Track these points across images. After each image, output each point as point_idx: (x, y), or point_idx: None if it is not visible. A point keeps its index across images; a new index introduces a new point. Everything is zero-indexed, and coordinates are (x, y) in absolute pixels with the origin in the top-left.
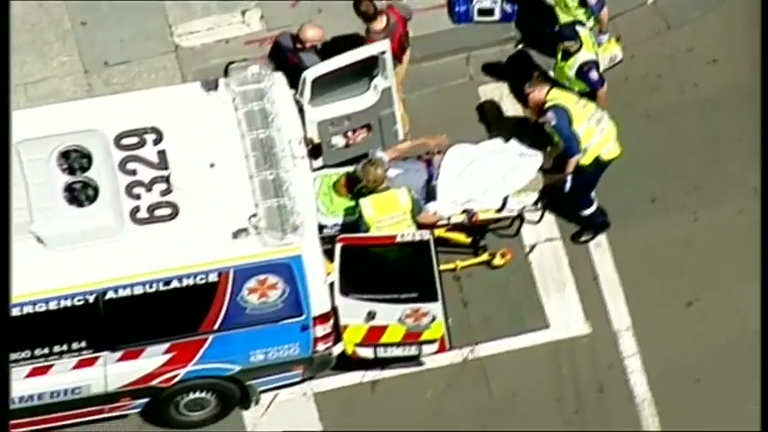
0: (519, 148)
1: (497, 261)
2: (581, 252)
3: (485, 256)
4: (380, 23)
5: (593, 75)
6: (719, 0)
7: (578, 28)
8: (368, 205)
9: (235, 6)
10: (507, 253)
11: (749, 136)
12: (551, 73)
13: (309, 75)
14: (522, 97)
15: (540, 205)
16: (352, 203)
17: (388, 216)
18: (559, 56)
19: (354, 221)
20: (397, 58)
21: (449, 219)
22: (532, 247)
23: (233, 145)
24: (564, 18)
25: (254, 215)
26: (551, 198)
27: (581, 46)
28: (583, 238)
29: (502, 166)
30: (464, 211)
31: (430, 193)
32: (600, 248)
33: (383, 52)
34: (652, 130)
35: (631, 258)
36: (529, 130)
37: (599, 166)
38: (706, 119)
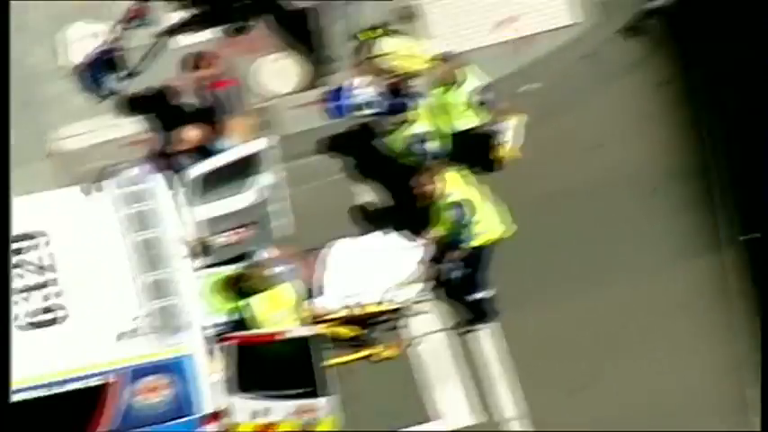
0: (400, 241)
1: (386, 353)
2: (470, 339)
3: (373, 349)
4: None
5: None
6: (599, 84)
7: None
8: (258, 303)
9: (111, 108)
10: (395, 345)
11: (637, 219)
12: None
13: (194, 173)
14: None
15: (426, 296)
16: (235, 303)
17: (278, 312)
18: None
19: (240, 320)
20: None
21: (336, 313)
22: (420, 339)
23: (117, 247)
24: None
25: (142, 316)
26: (437, 288)
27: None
28: (473, 326)
29: (384, 259)
30: (349, 306)
31: (315, 289)
32: (489, 335)
33: (268, 147)
34: (539, 215)
35: (520, 344)
36: (412, 217)
37: (490, 245)
38: (593, 202)
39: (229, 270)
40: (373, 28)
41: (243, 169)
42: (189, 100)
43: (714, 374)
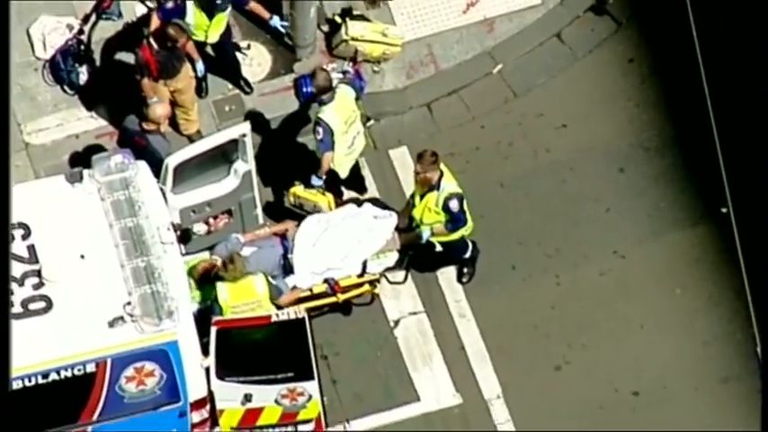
0: (372, 211)
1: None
2: (446, 322)
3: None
4: None
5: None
6: (564, 64)
7: None
8: (224, 290)
9: (82, 101)
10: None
11: (606, 197)
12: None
13: (171, 161)
14: None
15: (402, 265)
16: (210, 289)
17: (243, 303)
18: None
19: (209, 307)
20: None
21: (311, 290)
22: (397, 322)
23: (102, 235)
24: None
25: (129, 303)
26: (413, 257)
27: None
28: (466, 276)
29: (356, 230)
30: (325, 281)
31: (287, 267)
32: (464, 318)
33: (243, 135)
34: (508, 198)
35: (496, 326)
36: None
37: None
38: (561, 183)
39: (201, 258)
40: (342, 13)
41: (221, 156)
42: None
43: (693, 348)
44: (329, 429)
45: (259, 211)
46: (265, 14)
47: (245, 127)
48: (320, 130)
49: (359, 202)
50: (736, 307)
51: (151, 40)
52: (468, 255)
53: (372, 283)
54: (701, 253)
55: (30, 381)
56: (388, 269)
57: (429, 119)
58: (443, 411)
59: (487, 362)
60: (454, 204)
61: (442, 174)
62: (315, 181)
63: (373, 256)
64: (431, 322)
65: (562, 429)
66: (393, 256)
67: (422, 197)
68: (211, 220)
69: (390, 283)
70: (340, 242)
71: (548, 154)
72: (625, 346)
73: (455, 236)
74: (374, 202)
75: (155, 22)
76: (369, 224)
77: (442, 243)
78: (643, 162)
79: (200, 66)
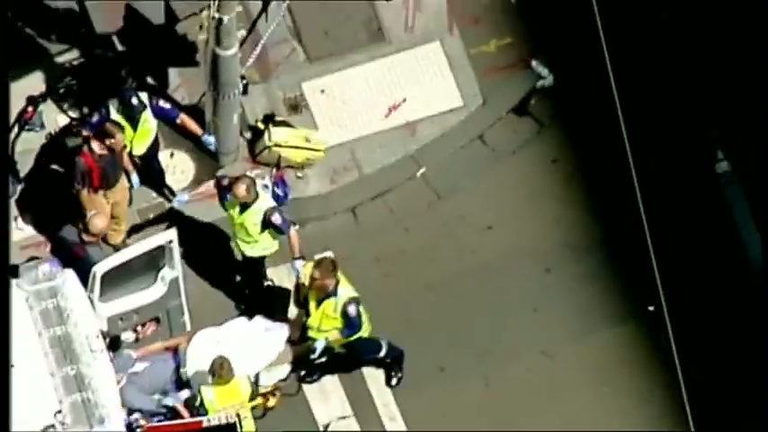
0: (264, 324)
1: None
2: (375, 426)
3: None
4: None
5: (277, 218)
6: (488, 166)
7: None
8: (210, 393)
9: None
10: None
11: (533, 297)
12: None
13: (98, 269)
14: None
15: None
16: None
17: (230, 405)
18: (236, 210)
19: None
20: None
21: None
22: (326, 426)
23: (31, 343)
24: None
25: (60, 411)
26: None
27: (257, 196)
28: (394, 379)
29: (248, 344)
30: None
31: (180, 382)
32: (393, 421)
33: (170, 242)
34: (435, 300)
35: (425, 428)
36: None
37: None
38: (488, 284)
39: None
40: (265, 119)
41: (148, 263)
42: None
43: None
44: None
45: (187, 317)
46: (198, 130)
47: (172, 234)
48: (276, 215)
49: (250, 315)
50: (667, 404)
51: (93, 145)
52: (382, 354)
53: (266, 395)
54: (629, 351)
55: None
56: (282, 381)
57: (353, 224)
58: None
59: None
60: (352, 309)
61: (338, 281)
62: (297, 264)
63: (265, 368)
64: (360, 426)
65: None
66: (285, 368)
67: (318, 304)
68: (139, 328)
69: (282, 395)
70: (232, 356)
71: (473, 255)
72: None
73: (352, 338)
74: (266, 314)
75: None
76: (260, 337)
77: (346, 346)
78: (569, 261)
79: (134, 177)
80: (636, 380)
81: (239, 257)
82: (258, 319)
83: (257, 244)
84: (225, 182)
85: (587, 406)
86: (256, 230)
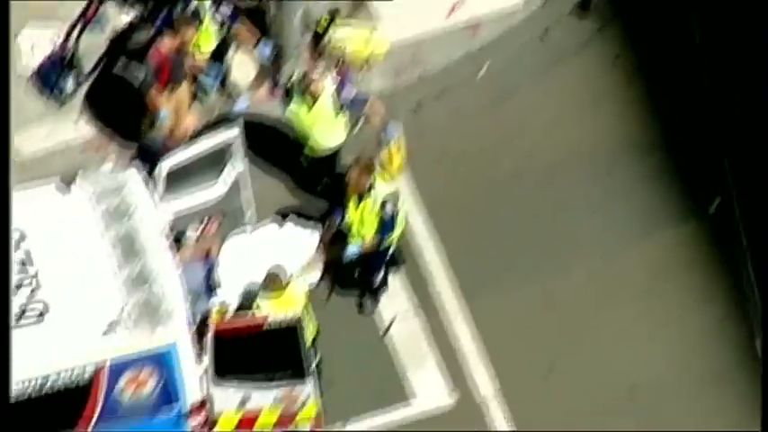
0: (295, 228)
1: None
2: (438, 323)
3: None
4: None
5: (350, 91)
6: (549, 66)
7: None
8: (266, 306)
9: (70, 111)
10: None
11: (594, 198)
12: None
13: (163, 166)
14: None
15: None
16: None
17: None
18: (304, 108)
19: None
20: None
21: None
22: (391, 322)
23: (95, 241)
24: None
25: (123, 309)
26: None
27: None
28: (368, 306)
29: (280, 248)
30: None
31: (212, 286)
32: (458, 318)
33: (234, 138)
34: (497, 201)
35: (490, 326)
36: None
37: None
38: (548, 185)
39: None
40: (327, 17)
41: (213, 160)
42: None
43: (687, 346)
44: (326, 430)
45: (249, 215)
46: (253, 39)
47: (235, 131)
48: (347, 88)
49: (283, 217)
50: (730, 303)
51: (161, 42)
52: (383, 274)
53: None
54: (692, 250)
55: (26, 390)
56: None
57: (415, 123)
58: (438, 411)
59: (482, 362)
60: (389, 208)
61: (375, 179)
62: (391, 128)
63: (298, 272)
64: (425, 322)
65: (557, 429)
66: (316, 274)
67: (357, 205)
68: (203, 225)
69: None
70: (265, 258)
71: (534, 157)
72: (618, 346)
73: (382, 246)
74: (299, 215)
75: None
76: (291, 241)
77: (374, 254)
78: (631, 162)
79: (203, 78)
80: (698, 279)
81: (304, 158)
82: (289, 223)
83: (333, 134)
84: (288, 81)
85: (649, 306)
86: (331, 115)
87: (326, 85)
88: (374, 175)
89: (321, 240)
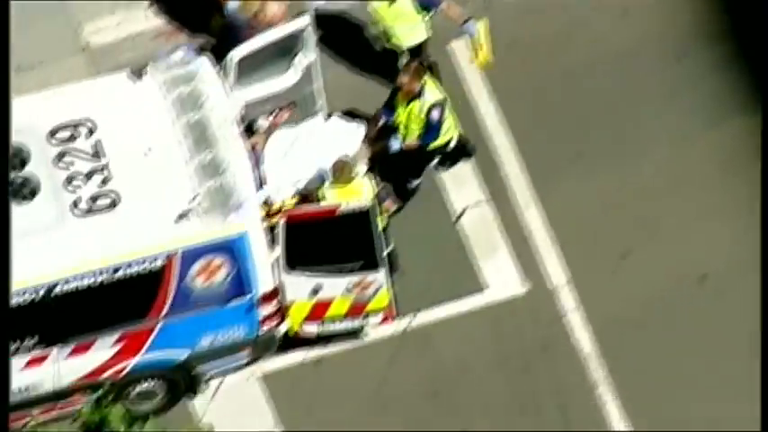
0: (341, 122)
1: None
2: (510, 212)
3: None
4: None
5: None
6: None
7: None
8: (330, 194)
9: (141, 1)
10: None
11: (665, 85)
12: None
13: (235, 54)
14: None
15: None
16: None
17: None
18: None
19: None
20: None
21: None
22: (462, 212)
23: (167, 130)
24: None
25: (195, 197)
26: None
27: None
28: (394, 206)
29: (325, 141)
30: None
31: (259, 181)
32: (529, 206)
33: (305, 26)
34: (569, 87)
35: (562, 213)
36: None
37: (442, 148)
38: (621, 72)
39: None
40: None
41: (284, 49)
42: None
43: (756, 236)
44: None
45: (322, 102)
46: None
47: (307, 19)
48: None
49: (328, 114)
50: None
51: None
52: (419, 181)
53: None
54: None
55: (98, 278)
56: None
57: (487, 8)
58: (510, 300)
59: (553, 250)
60: (435, 114)
61: (425, 83)
62: (470, 25)
63: None
64: (496, 211)
65: (629, 315)
66: (363, 168)
67: (406, 108)
68: (274, 114)
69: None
70: (310, 153)
71: (607, 43)
72: (690, 233)
73: (424, 150)
74: (344, 112)
75: None
76: (337, 135)
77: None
78: (702, 49)
79: None
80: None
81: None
82: (335, 117)
83: (414, 31)
84: None
85: (721, 193)
86: (412, 12)
87: None
88: (425, 80)
89: (367, 134)
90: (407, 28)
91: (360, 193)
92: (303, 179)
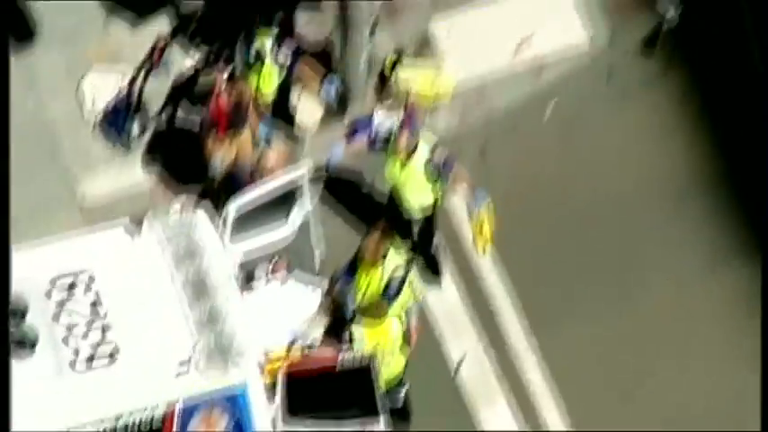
0: (297, 285)
1: None
2: (507, 360)
3: None
4: None
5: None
6: (614, 107)
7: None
8: (359, 332)
9: (136, 156)
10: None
11: (667, 229)
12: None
13: (232, 207)
14: None
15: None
16: None
17: (378, 346)
18: (398, 165)
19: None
20: None
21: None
22: (460, 361)
23: (164, 283)
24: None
25: (195, 350)
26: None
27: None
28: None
29: (284, 304)
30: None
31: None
32: (528, 354)
33: (302, 177)
34: (566, 236)
35: (561, 361)
36: None
37: None
38: (620, 217)
39: None
40: (393, 57)
41: (282, 199)
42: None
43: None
44: None
45: (320, 253)
46: (316, 80)
47: (304, 168)
48: (439, 150)
49: (285, 276)
50: None
51: (220, 92)
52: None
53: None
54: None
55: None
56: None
57: (482, 161)
58: None
59: (553, 398)
60: (398, 274)
61: (388, 248)
62: (480, 196)
63: (303, 327)
64: (494, 360)
65: None
66: (321, 325)
67: (368, 272)
68: (270, 265)
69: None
70: (266, 318)
71: (605, 192)
72: (690, 377)
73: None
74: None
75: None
76: (295, 299)
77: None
78: (702, 194)
79: (261, 128)
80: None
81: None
82: (292, 281)
83: (421, 194)
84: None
85: (721, 340)
86: (422, 179)
87: (420, 148)
88: (389, 244)
89: (325, 297)
90: (415, 191)
91: (388, 335)
92: (277, 341)
